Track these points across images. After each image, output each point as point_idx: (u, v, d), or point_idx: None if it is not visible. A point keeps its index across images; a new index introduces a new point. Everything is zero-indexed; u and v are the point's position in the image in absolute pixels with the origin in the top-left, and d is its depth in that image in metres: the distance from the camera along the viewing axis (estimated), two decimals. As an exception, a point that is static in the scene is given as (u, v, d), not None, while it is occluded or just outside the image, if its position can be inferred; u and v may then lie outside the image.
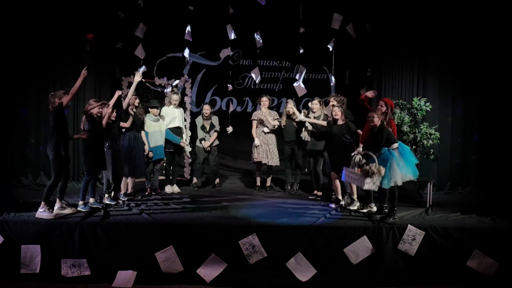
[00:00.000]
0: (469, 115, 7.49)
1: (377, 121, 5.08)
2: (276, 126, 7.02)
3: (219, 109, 9.05)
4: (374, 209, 5.53)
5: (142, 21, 7.11)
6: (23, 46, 7.26)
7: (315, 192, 6.79)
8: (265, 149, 7.03)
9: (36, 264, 4.70)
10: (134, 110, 6.19)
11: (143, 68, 7.06)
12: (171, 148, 6.86)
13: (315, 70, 8.95)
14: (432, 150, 6.74)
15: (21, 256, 4.69)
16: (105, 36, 7.60)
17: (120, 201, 5.85)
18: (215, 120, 7.28)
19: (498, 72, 7.26)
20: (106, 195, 5.83)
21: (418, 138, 6.45)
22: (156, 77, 8.39)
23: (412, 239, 4.79)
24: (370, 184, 4.69)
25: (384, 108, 5.58)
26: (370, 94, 5.71)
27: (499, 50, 7.21)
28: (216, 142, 7.26)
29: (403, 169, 4.91)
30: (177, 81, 8.03)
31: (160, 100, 7.91)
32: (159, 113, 6.71)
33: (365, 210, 5.58)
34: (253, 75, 7.20)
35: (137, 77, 5.98)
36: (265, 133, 7.03)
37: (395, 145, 5.04)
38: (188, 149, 7.56)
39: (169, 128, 6.86)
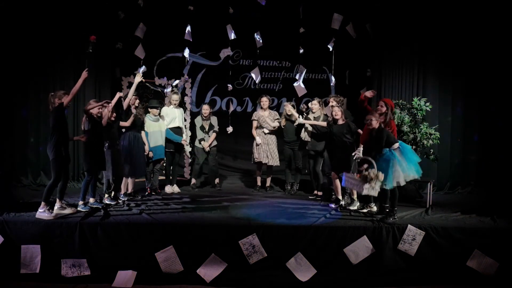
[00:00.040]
0: (469, 115, 7.49)
1: (375, 123, 5.08)
2: (276, 127, 7.03)
3: (219, 109, 9.05)
4: (374, 209, 5.54)
5: (142, 21, 7.11)
6: (23, 46, 7.26)
7: (315, 192, 6.80)
8: (266, 149, 7.03)
9: (36, 264, 4.70)
10: (135, 110, 6.20)
11: (143, 68, 7.07)
12: (171, 148, 6.86)
13: (315, 70, 8.95)
14: (432, 150, 6.74)
15: (21, 256, 4.69)
16: (105, 36, 7.60)
17: (120, 201, 5.85)
18: (214, 120, 7.28)
19: (498, 72, 7.26)
20: (106, 195, 5.83)
21: (418, 138, 6.45)
22: (156, 77, 8.39)
23: (412, 239, 4.79)
24: (369, 190, 4.77)
25: (384, 109, 5.57)
26: (369, 94, 5.70)
27: (499, 50, 7.21)
28: (215, 143, 7.26)
29: (405, 169, 4.92)
30: (177, 81, 8.04)
31: (160, 100, 7.91)
32: (159, 113, 6.71)
33: (365, 210, 5.58)
34: (253, 75, 7.20)
35: (138, 78, 5.99)
36: (265, 133, 7.03)
37: (396, 145, 5.04)
38: (188, 149, 7.56)
39: (169, 128, 6.86)
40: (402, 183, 4.97)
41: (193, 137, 7.54)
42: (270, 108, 7.29)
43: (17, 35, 7.23)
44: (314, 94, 7.08)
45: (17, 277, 4.69)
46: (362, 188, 4.80)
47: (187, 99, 8.35)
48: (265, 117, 7.04)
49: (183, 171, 8.24)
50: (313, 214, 5.41)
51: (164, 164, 6.96)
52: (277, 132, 7.09)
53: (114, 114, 5.71)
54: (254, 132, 7.12)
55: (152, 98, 7.76)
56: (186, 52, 7.29)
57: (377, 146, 5.04)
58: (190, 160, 8.08)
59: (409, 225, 4.84)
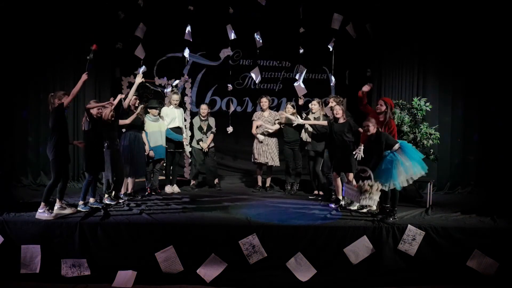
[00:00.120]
0: (469, 115, 7.49)
1: (372, 129, 5.10)
2: (276, 130, 7.03)
3: (219, 109, 9.05)
4: (374, 208, 5.53)
5: (142, 21, 7.11)
6: (23, 46, 7.26)
7: (315, 192, 6.80)
8: (265, 149, 7.03)
9: (36, 264, 4.70)
10: (139, 109, 6.20)
11: (143, 68, 7.06)
12: (171, 148, 6.86)
13: (315, 70, 8.95)
14: (432, 150, 6.75)
15: (21, 256, 4.69)
16: (105, 36, 7.61)
17: (121, 201, 5.85)
18: (212, 121, 7.28)
19: (498, 72, 7.26)
20: (106, 195, 5.83)
21: (418, 138, 6.45)
22: (156, 77, 8.39)
23: (412, 239, 4.79)
24: (366, 200, 4.86)
25: (383, 107, 5.59)
26: (365, 88, 5.76)
27: (499, 50, 7.21)
28: (212, 144, 7.26)
29: (409, 168, 4.92)
30: (177, 81, 8.03)
31: (160, 100, 7.92)
32: (159, 113, 6.71)
33: (365, 210, 5.58)
34: (253, 75, 7.20)
35: (139, 79, 6.00)
36: (263, 137, 7.03)
37: (397, 146, 5.05)
38: (188, 149, 7.56)
39: (169, 128, 6.86)
40: (410, 182, 4.99)
41: (192, 138, 7.53)
42: (270, 108, 7.29)
43: (17, 35, 7.23)
44: (314, 94, 7.09)
45: (17, 277, 4.69)
46: (359, 199, 4.91)
47: (187, 99, 8.35)
48: (265, 119, 7.04)
49: (183, 171, 8.23)
50: (313, 214, 5.42)
51: (164, 164, 6.96)
52: (277, 132, 7.09)
53: (113, 113, 5.71)
54: (254, 132, 7.12)
55: (152, 98, 7.76)
56: (186, 52, 7.29)
57: (378, 151, 5.05)
58: (190, 160, 8.08)
59: (409, 225, 4.84)
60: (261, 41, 7.10)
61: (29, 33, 7.25)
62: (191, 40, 7.12)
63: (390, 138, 5.14)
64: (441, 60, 7.47)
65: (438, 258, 4.80)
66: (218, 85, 8.81)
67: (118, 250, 4.74)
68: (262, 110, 7.16)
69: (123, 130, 6.21)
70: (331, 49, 7.26)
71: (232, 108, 7.92)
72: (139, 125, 6.25)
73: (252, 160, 7.26)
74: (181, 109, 7.24)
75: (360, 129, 5.76)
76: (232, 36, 7.07)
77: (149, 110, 6.59)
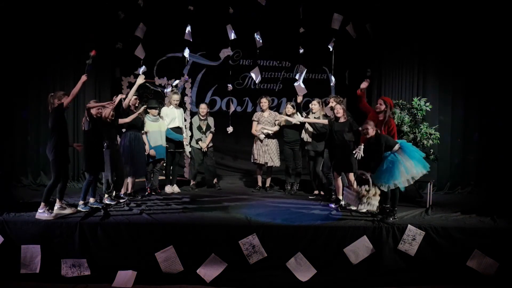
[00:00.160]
0: (469, 115, 7.49)
1: (372, 131, 5.10)
2: (276, 131, 7.03)
3: (219, 109, 9.04)
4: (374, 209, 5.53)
5: (142, 21, 7.11)
6: (23, 46, 7.26)
7: (315, 192, 6.80)
8: (265, 150, 7.03)
9: (36, 264, 4.70)
10: (135, 110, 6.20)
11: (143, 68, 7.06)
12: (171, 148, 6.86)
13: (315, 70, 8.94)
14: (432, 150, 6.75)
15: (21, 256, 4.70)
16: (105, 36, 7.61)
17: (122, 201, 5.85)
18: (211, 121, 7.27)
19: (498, 72, 7.26)
20: (106, 195, 5.83)
21: (418, 138, 6.45)
22: (156, 77, 8.39)
23: (412, 239, 4.79)
24: (364, 205, 4.91)
25: (383, 107, 5.59)
26: (363, 84, 5.80)
27: (499, 50, 7.21)
28: (211, 143, 7.26)
29: (410, 168, 4.93)
30: (177, 81, 8.03)
31: (160, 100, 7.92)
32: (159, 113, 6.71)
33: (364, 210, 5.57)
34: (253, 75, 7.19)
35: (140, 80, 5.99)
36: (262, 138, 7.02)
37: (397, 146, 5.05)
38: (188, 149, 7.56)
39: (169, 128, 6.86)
40: (411, 182, 4.99)
41: (192, 137, 7.53)
42: (270, 108, 7.29)
43: (17, 35, 7.23)
44: (314, 94, 7.09)
45: (17, 277, 4.69)
46: (357, 204, 4.96)
47: (187, 99, 8.35)
48: (265, 120, 7.04)
49: (183, 171, 8.23)
50: (313, 214, 5.42)
51: (164, 164, 6.95)
52: (277, 133, 7.08)
53: (113, 113, 5.71)
54: (254, 132, 7.12)
55: (152, 98, 7.76)
56: (186, 52, 7.28)
57: (377, 154, 5.05)
58: (190, 160, 8.08)
59: (409, 225, 4.84)
60: (261, 41, 7.09)
61: (29, 33, 7.25)
62: (191, 40, 7.12)
63: (390, 139, 5.14)
64: (441, 60, 7.47)
65: (438, 258, 4.80)
66: (218, 85, 8.80)
67: (118, 250, 4.74)
68: (262, 111, 7.17)
69: (123, 130, 6.22)
70: (331, 49, 7.26)
71: (232, 108, 7.91)
72: (139, 125, 6.25)
73: (252, 161, 7.25)
74: (181, 109, 7.24)
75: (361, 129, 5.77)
76: (232, 36, 7.06)
77: (148, 110, 6.59)
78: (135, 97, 6.23)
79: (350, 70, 8.55)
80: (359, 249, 4.77)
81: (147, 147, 6.38)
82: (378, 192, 4.95)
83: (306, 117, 6.58)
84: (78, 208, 5.26)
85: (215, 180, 7.37)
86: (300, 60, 7.09)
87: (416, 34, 7.44)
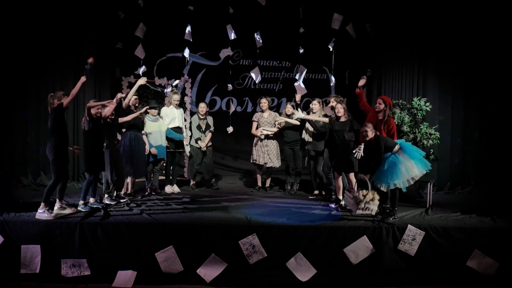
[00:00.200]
0: (469, 115, 7.49)
1: (371, 134, 5.10)
2: (276, 132, 7.02)
3: (219, 109, 9.04)
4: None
5: (142, 21, 7.11)
6: (23, 46, 7.26)
7: (316, 192, 6.80)
8: (265, 150, 7.02)
9: (36, 264, 4.70)
10: (135, 110, 6.21)
11: (143, 68, 7.06)
12: (172, 148, 6.86)
13: (315, 70, 8.94)
14: (432, 150, 6.75)
15: (21, 256, 4.70)
16: (105, 36, 7.61)
17: (123, 201, 5.84)
18: (210, 120, 7.27)
19: (498, 72, 7.26)
20: (106, 195, 5.82)
21: (418, 138, 6.45)
22: (156, 77, 8.39)
23: (412, 239, 4.79)
24: (361, 210, 4.93)
25: (382, 106, 5.60)
26: (361, 82, 5.86)
27: (499, 50, 7.21)
28: (210, 142, 7.26)
29: (412, 169, 4.93)
30: (177, 81, 8.03)
31: (160, 100, 7.91)
32: (158, 113, 6.71)
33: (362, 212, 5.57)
34: (253, 75, 7.19)
35: (141, 81, 6.01)
36: (261, 139, 7.02)
37: (397, 147, 5.05)
38: (188, 149, 7.56)
39: (169, 128, 6.86)
40: (411, 183, 5.00)
41: (191, 137, 7.53)
42: (270, 108, 7.29)
43: (17, 35, 7.22)
44: (314, 94, 7.09)
45: (17, 277, 4.69)
46: (356, 208, 4.97)
47: (187, 99, 8.34)
48: (265, 121, 7.04)
49: (183, 171, 8.23)
50: (313, 214, 5.42)
51: (164, 164, 6.95)
52: (277, 133, 7.08)
53: (113, 113, 5.71)
54: (254, 132, 7.12)
55: (152, 98, 7.76)
56: (186, 52, 7.28)
57: (377, 156, 5.05)
58: (189, 159, 8.07)
59: (409, 225, 4.84)
60: (261, 41, 7.09)
61: (29, 33, 7.25)
62: (191, 40, 7.12)
63: (389, 141, 5.14)
64: (441, 60, 7.47)
65: (438, 258, 4.81)
66: (218, 85, 8.81)
67: (118, 250, 4.74)
68: (262, 111, 7.17)
69: (123, 130, 6.22)
70: (331, 49, 7.26)
71: (232, 108, 7.91)
72: (139, 125, 6.25)
73: (251, 161, 7.25)
74: (181, 109, 7.24)
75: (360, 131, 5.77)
76: (232, 36, 7.06)
77: (148, 110, 6.59)
78: (135, 97, 6.23)
79: (350, 70, 8.55)
80: (359, 249, 4.77)
81: (147, 147, 6.38)
82: (377, 197, 4.97)
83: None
84: (78, 208, 5.26)
85: (212, 180, 7.37)
86: (300, 60, 7.09)
87: (416, 34, 7.44)
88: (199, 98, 8.84)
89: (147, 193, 6.56)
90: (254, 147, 7.12)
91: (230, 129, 7.25)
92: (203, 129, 7.16)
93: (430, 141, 6.48)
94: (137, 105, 6.32)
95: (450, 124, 7.48)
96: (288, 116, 6.80)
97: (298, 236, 4.81)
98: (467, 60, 7.37)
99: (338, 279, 4.72)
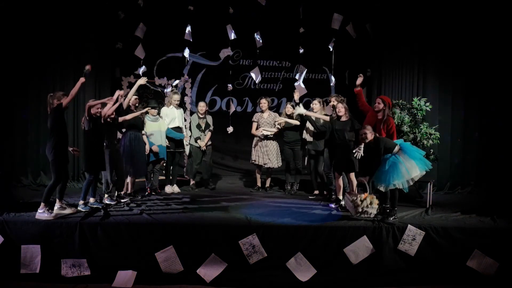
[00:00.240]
0: (469, 115, 7.49)
1: (370, 136, 5.10)
2: (276, 132, 7.02)
3: (219, 109, 9.04)
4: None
5: (142, 21, 7.11)
6: (23, 47, 7.26)
7: (316, 192, 6.79)
8: (264, 151, 7.02)
9: (36, 264, 4.70)
10: (135, 110, 6.21)
11: (143, 68, 7.06)
12: (172, 147, 6.86)
13: (315, 70, 8.94)
14: (432, 150, 6.75)
15: (21, 256, 4.69)
16: (105, 36, 7.61)
17: (124, 201, 5.83)
18: (209, 119, 7.27)
19: (498, 72, 7.26)
20: (106, 195, 5.82)
21: (418, 138, 6.45)
22: (156, 77, 8.39)
23: (412, 239, 4.79)
24: (359, 214, 4.96)
25: (381, 105, 5.60)
26: (358, 81, 5.90)
27: (499, 50, 7.21)
28: (209, 142, 7.26)
29: (412, 169, 4.93)
30: (177, 81, 8.03)
31: (160, 100, 7.91)
32: (158, 113, 6.71)
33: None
34: (253, 75, 7.19)
35: (141, 81, 6.01)
36: (261, 139, 7.02)
37: (396, 148, 5.05)
38: (188, 149, 7.56)
39: (169, 128, 6.86)
40: (411, 183, 5.00)
41: (190, 136, 7.53)
42: (270, 108, 7.29)
43: (17, 35, 7.22)
44: (314, 94, 7.08)
45: (17, 277, 4.69)
46: (353, 212, 5.01)
47: (187, 99, 8.35)
48: (265, 121, 7.04)
49: (183, 171, 8.23)
50: (313, 214, 5.42)
51: (164, 164, 6.95)
52: (277, 134, 7.07)
53: (114, 113, 5.72)
54: (254, 133, 7.12)
55: (151, 98, 7.76)
56: (186, 52, 7.28)
57: (377, 158, 5.05)
58: (188, 158, 8.07)
59: (409, 225, 4.84)
60: (261, 41, 7.09)
61: (29, 33, 7.25)
62: (191, 40, 7.12)
63: (389, 142, 5.13)
64: (441, 60, 7.47)
65: (438, 258, 4.80)
66: (218, 85, 8.81)
67: (118, 250, 4.74)
68: (262, 111, 7.17)
69: (123, 130, 6.22)
70: (331, 49, 7.26)
71: (232, 108, 7.91)
72: (139, 125, 6.25)
73: (251, 161, 7.25)
74: (181, 109, 7.24)
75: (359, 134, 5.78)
76: (232, 36, 7.06)
77: (148, 110, 6.58)
78: (135, 97, 6.23)
79: (350, 70, 8.54)
80: (359, 249, 4.77)
81: (147, 146, 6.38)
82: (376, 201, 4.98)
83: (308, 116, 6.55)
84: (78, 208, 5.26)
85: (210, 180, 7.37)
86: (300, 60, 7.09)
87: (416, 34, 7.44)
88: (199, 98, 8.82)
89: (147, 193, 6.56)
90: (253, 148, 7.12)
91: (230, 129, 7.25)
92: (203, 128, 7.16)
93: (430, 141, 6.48)
94: (137, 105, 6.32)
95: (450, 124, 7.48)
96: (288, 116, 6.80)
97: (298, 236, 4.81)
98: (467, 60, 7.37)
99: (338, 279, 4.72)
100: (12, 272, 4.70)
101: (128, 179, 6.24)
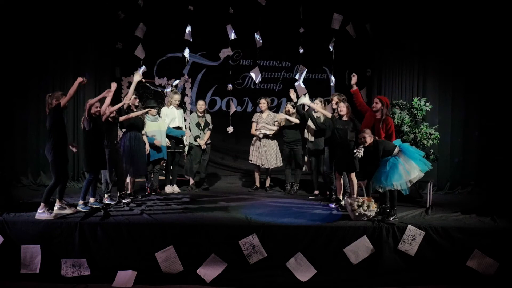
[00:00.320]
0: (469, 115, 7.50)
1: (369, 139, 5.10)
2: (276, 130, 7.02)
3: (219, 109, 9.05)
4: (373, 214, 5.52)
5: (142, 21, 7.12)
6: (23, 47, 7.26)
7: (316, 192, 6.79)
8: (262, 151, 7.02)
9: (36, 264, 4.70)
10: (135, 110, 6.21)
11: (143, 68, 7.06)
12: (172, 147, 6.86)
13: (315, 70, 8.94)
14: (432, 150, 6.75)
15: (21, 256, 4.69)
16: (105, 36, 7.61)
17: (125, 201, 5.83)
18: (208, 118, 7.27)
19: (498, 72, 7.26)
20: (106, 195, 5.82)
21: (418, 138, 6.45)
22: (156, 77, 8.39)
23: (412, 239, 4.79)
24: (358, 217, 4.97)
25: (379, 105, 5.60)
26: (353, 80, 5.89)
27: (499, 50, 7.21)
28: (209, 140, 7.26)
29: (412, 170, 4.93)
30: (177, 81, 8.03)
31: (159, 100, 7.91)
32: (158, 113, 6.71)
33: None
34: (253, 75, 7.20)
35: (137, 77, 5.94)
36: (260, 138, 7.02)
37: (396, 150, 5.05)
38: (187, 148, 7.56)
39: (169, 127, 6.86)
40: (409, 185, 4.99)
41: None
42: (270, 108, 7.29)
43: (17, 35, 7.23)
44: (314, 94, 7.07)
45: (17, 277, 4.68)
46: (353, 216, 5.03)
47: (187, 99, 8.35)
48: (264, 121, 7.04)
49: (183, 171, 8.23)
50: (313, 214, 5.42)
51: (164, 164, 6.95)
52: (277, 133, 7.08)
53: (115, 114, 5.72)
54: (254, 132, 7.12)
55: (151, 98, 7.76)
56: (186, 52, 7.29)
57: (376, 161, 5.05)
58: (187, 156, 8.06)
59: (409, 225, 4.84)
60: (261, 41, 7.10)
61: (29, 33, 7.25)
62: (191, 40, 7.13)
63: (388, 144, 5.13)
64: (441, 60, 7.47)
65: (438, 258, 4.80)
66: (218, 85, 8.81)
67: (118, 250, 4.74)
68: (261, 112, 7.17)
69: (123, 130, 6.22)
70: (331, 49, 7.26)
71: (233, 108, 7.91)
72: (139, 125, 6.25)
73: (249, 161, 7.25)
74: (181, 109, 7.23)
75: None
76: (232, 36, 7.07)
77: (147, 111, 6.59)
78: (134, 96, 6.23)
79: (350, 70, 8.50)
80: (359, 249, 4.77)
81: (147, 146, 6.38)
82: (374, 204, 5.01)
83: (307, 110, 6.54)
84: (78, 208, 5.25)
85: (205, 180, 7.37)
86: (300, 60, 7.10)
87: (416, 33, 7.45)
88: (199, 98, 8.79)
89: (147, 193, 6.56)
90: (252, 148, 7.12)
91: (230, 129, 7.25)
92: (202, 127, 7.16)
93: (430, 141, 6.48)
94: (137, 104, 6.32)
95: (450, 124, 7.48)
96: (288, 115, 6.79)
97: (298, 236, 4.81)
98: (467, 60, 7.38)
99: (338, 279, 4.72)
100: (12, 272, 4.70)
101: (128, 179, 6.24)
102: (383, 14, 7.60)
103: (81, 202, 5.32)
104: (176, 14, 7.60)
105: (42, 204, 4.90)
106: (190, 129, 7.32)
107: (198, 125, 7.15)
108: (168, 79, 8.25)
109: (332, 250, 4.78)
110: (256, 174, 7.29)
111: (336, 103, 6.05)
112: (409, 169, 4.93)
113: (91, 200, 5.50)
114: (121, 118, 5.94)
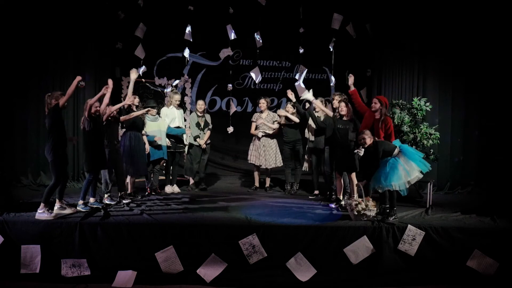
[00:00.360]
0: (469, 115, 7.50)
1: (369, 140, 5.10)
2: (276, 129, 7.02)
3: (219, 109, 9.05)
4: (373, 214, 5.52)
5: (142, 21, 7.11)
6: (23, 47, 7.27)
7: (316, 191, 6.79)
8: (261, 151, 7.02)
9: (36, 264, 4.70)
10: (135, 110, 6.21)
11: (143, 68, 7.06)
12: (172, 147, 6.86)
13: (315, 70, 8.95)
14: (432, 150, 6.74)
15: (21, 256, 4.69)
16: (105, 36, 7.61)
17: (126, 201, 5.83)
18: (208, 117, 7.27)
19: (498, 72, 7.26)
20: (106, 195, 5.82)
21: (418, 138, 6.45)
22: (156, 77, 8.39)
23: (412, 239, 4.79)
24: (357, 218, 4.97)
25: (378, 105, 5.60)
26: (350, 81, 5.91)
27: (499, 50, 7.21)
28: (208, 140, 7.26)
29: (411, 171, 4.93)
30: (177, 81, 8.03)
31: (159, 100, 7.91)
32: (158, 113, 6.71)
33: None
34: (253, 75, 7.20)
35: (133, 75, 5.76)
36: (259, 137, 7.02)
37: (396, 151, 5.05)
38: (187, 148, 7.56)
39: (169, 126, 6.86)
40: (407, 186, 4.99)
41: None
42: (270, 108, 7.28)
43: (17, 35, 7.23)
44: (314, 94, 7.03)
45: (17, 277, 4.68)
46: (352, 216, 5.04)
47: (187, 99, 8.35)
48: (264, 120, 7.04)
49: (183, 171, 8.23)
50: (313, 214, 5.42)
51: (164, 164, 6.95)
52: (277, 133, 7.08)
53: (115, 114, 5.72)
54: (253, 133, 7.12)
55: (151, 98, 7.76)
56: (186, 52, 7.28)
57: (376, 161, 5.05)
58: (187, 155, 8.06)
59: (409, 225, 4.84)
60: (261, 41, 7.10)
61: (29, 33, 7.26)
62: (191, 40, 7.12)
63: (388, 145, 5.12)
64: (441, 60, 7.48)
65: (438, 258, 4.80)
66: (218, 85, 8.81)
67: (118, 250, 4.74)
68: (261, 112, 7.17)
69: (123, 130, 6.22)
70: (331, 49, 7.26)
71: (233, 108, 7.91)
72: (139, 125, 6.25)
73: (248, 160, 7.25)
74: (181, 109, 7.23)
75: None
76: (232, 36, 7.06)
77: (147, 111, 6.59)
78: (134, 96, 6.23)
79: (350, 70, 8.50)
80: (359, 249, 4.77)
81: (147, 146, 6.38)
82: (372, 203, 5.02)
83: (308, 109, 6.53)
84: (78, 208, 5.25)
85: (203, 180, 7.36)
86: (300, 60, 7.10)
87: (416, 34, 7.45)
88: (199, 98, 8.80)
89: (147, 193, 6.56)
90: (251, 148, 7.12)
91: (230, 129, 7.25)
92: (202, 127, 7.16)
93: (430, 141, 6.48)
94: (137, 104, 6.32)
95: (450, 124, 7.49)
96: (290, 117, 6.79)
97: (298, 236, 4.81)
98: (467, 60, 7.38)
99: (338, 279, 4.72)
100: (12, 272, 4.70)
101: (128, 179, 6.24)
102: (383, 14, 7.60)
103: (81, 202, 5.32)
104: (176, 14, 7.60)
105: (42, 204, 4.90)
106: (190, 129, 7.32)
107: (198, 125, 7.14)
108: (168, 79, 8.24)
109: (332, 250, 4.78)
110: (255, 174, 7.29)
111: (339, 102, 6.04)
112: (409, 170, 4.92)
113: (91, 200, 5.50)
114: (122, 118, 5.94)
